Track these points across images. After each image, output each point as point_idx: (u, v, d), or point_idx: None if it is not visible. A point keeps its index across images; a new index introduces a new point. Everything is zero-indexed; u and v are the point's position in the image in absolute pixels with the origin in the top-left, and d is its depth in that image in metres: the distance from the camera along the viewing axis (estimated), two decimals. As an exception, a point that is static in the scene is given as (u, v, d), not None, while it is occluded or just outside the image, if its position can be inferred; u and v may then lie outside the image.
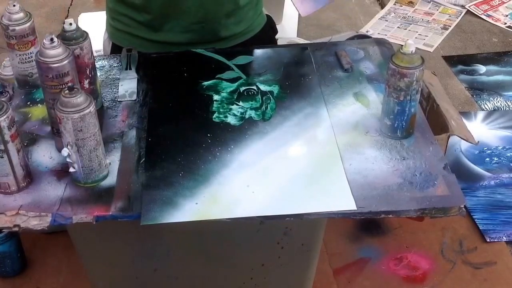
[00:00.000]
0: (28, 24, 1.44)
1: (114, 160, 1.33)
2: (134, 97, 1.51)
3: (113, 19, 1.71)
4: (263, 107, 1.48)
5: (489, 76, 3.03)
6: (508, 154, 2.51)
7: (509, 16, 3.51)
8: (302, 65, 1.62)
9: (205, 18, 1.63)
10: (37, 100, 1.50)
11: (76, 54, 1.35)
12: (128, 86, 1.54)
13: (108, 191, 1.26)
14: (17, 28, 1.43)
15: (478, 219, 2.23)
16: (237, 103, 1.49)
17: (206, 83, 1.55)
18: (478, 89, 2.94)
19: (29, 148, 1.37)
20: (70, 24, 1.36)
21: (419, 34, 3.36)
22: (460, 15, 3.54)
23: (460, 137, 1.96)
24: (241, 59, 1.62)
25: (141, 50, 1.64)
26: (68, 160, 1.25)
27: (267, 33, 1.82)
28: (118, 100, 1.51)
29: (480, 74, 3.05)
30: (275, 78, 1.57)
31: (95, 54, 1.45)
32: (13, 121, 1.22)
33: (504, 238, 2.17)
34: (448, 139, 1.94)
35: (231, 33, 1.69)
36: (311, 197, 1.25)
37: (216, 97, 1.51)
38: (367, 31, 3.34)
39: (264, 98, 1.50)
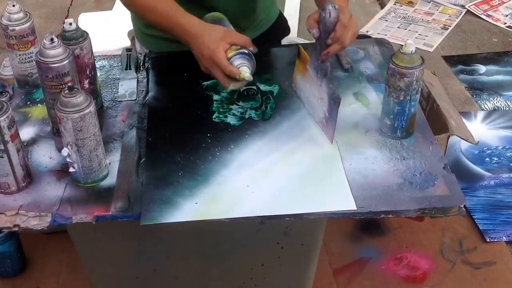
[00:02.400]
0: (27, 24, 1.44)
1: (114, 160, 1.33)
2: (134, 97, 1.51)
3: (148, 27, 1.67)
4: (263, 107, 1.48)
5: (489, 76, 3.03)
6: (508, 154, 2.51)
7: (509, 16, 3.51)
8: (302, 65, 1.62)
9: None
10: (37, 100, 1.50)
11: (76, 54, 1.35)
12: (128, 86, 1.54)
13: (108, 191, 1.26)
14: (16, 28, 1.43)
15: (478, 219, 2.23)
16: (237, 103, 1.49)
17: (206, 83, 1.55)
18: (478, 89, 2.94)
19: (29, 148, 1.37)
20: (70, 24, 1.36)
21: (419, 34, 3.36)
22: (460, 15, 3.54)
23: (460, 137, 1.95)
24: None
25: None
26: (68, 160, 1.25)
27: (281, 24, 1.86)
28: (118, 100, 1.51)
29: (480, 74, 3.05)
30: (275, 78, 1.57)
31: (95, 54, 1.45)
32: (13, 121, 1.22)
33: (504, 238, 2.17)
34: (448, 139, 1.93)
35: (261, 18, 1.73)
36: (311, 197, 1.25)
37: (216, 97, 1.51)
38: (367, 31, 3.34)
39: (264, 98, 1.50)
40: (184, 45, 1.62)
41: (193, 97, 1.51)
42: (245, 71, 1.35)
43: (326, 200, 1.24)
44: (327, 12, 1.32)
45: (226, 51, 1.36)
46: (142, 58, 1.64)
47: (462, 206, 1.24)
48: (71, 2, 3.68)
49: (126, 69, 1.58)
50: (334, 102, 1.33)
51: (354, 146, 1.36)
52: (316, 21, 1.36)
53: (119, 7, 3.29)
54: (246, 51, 1.37)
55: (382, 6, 3.66)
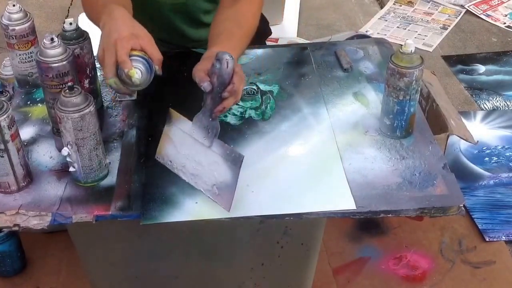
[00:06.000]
0: (28, 24, 1.45)
1: (114, 159, 1.34)
2: (134, 96, 1.51)
3: None
4: (263, 106, 1.48)
5: (488, 75, 3.03)
6: (507, 154, 2.51)
7: (508, 16, 3.51)
8: (302, 65, 1.62)
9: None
10: (37, 99, 1.50)
11: (76, 53, 1.36)
12: (128, 85, 1.54)
13: (108, 191, 1.27)
14: (17, 28, 1.43)
15: (477, 218, 2.23)
16: (237, 102, 1.49)
17: (206, 82, 1.55)
18: (478, 89, 2.95)
19: (29, 148, 1.37)
20: (70, 23, 1.37)
21: (418, 34, 3.37)
22: (459, 14, 3.54)
23: (460, 137, 1.95)
24: (241, 59, 1.62)
25: None
26: (68, 159, 1.25)
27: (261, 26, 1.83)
28: (118, 99, 1.51)
29: (480, 74, 3.05)
30: (275, 78, 1.57)
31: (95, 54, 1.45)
32: (13, 121, 1.22)
33: (503, 238, 2.17)
34: (448, 138, 1.94)
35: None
36: (311, 196, 1.25)
37: (216, 96, 1.50)
38: (366, 31, 3.34)
39: (264, 97, 1.51)
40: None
41: (193, 97, 1.51)
42: (136, 72, 1.20)
43: (325, 199, 1.25)
44: (224, 62, 1.19)
45: (133, 49, 1.23)
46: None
47: (462, 205, 1.24)
48: (71, 2, 3.68)
49: (126, 69, 1.58)
50: (234, 163, 1.19)
51: (353, 145, 1.37)
52: (207, 73, 1.23)
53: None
54: (150, 63, 1.24)
55: (382, 6, 3.66)
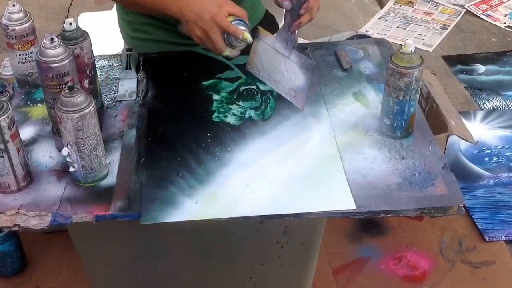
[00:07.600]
0: (28, 24, 1.44)
1: (114, 159, 1.33)
2: (134, 96, 1.51)
3: (136, 31, 1.70)
4: (263, 106, 1.48)
5: (488, 75, 3.04)
6: (507, 154, 2.51)
7: (508, 16, 3.52)
8: (302, 65, 1.62)
9: None
10: (37, 99, 1.50)
11: (76, 53, 1.36)
12: (128, 85, 1.54)
13: (108, 191, 1.27)
14: (17, 28, 1.43)
15: (477, 218, 2.23)
16: (237, 102, 1.49)
17: (206, 83, 1.55)
18: (477, 89, 2.95)
19: (29, 148, 1.37)
20: (70, 23, 1.37)
21: (418, 34, 3.37)
22: (459, 14, 3.54)
23: (460, 137, 1.95)
24: (241, 59, 1.62)
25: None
26: (68, 159, 1.25)
27: (268, 22, 1.83)
28: (118, 99, 1.51)
29: (479, 74, 3.06)
30: (274, 77, 1.57)
31: (95, 54, 1.45)
32: (13, 121, 1.22)
33: (503, 238, 2.17)
34: (448, 138, 1.93)
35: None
36: (311, 196, 1.25)
37: (216, 96, 1.51)
38: (366, 31, 3.34)
39: (263, 97, 1.51)
40: (173, 45, 1.63)
41: (193, 97, 1.52)
42: (246, 33, 1.38)
43: (326, 199, 1.25)
44: None
45: (225, 17, 1.40)
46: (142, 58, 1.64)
47: (462, 205, 1.24)
48: (71, 2, 3.68)
49: (126, 69, 1.58)
50: (307, 69, 1.41)
51: (353, 145, 1.37)
52: None
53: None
54: (243, 20, 1.41)
55: (382, 6, 3.67)
